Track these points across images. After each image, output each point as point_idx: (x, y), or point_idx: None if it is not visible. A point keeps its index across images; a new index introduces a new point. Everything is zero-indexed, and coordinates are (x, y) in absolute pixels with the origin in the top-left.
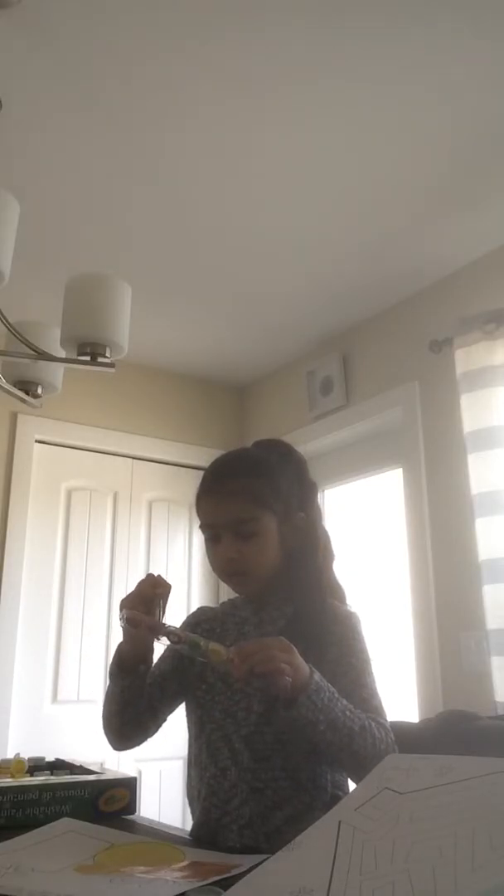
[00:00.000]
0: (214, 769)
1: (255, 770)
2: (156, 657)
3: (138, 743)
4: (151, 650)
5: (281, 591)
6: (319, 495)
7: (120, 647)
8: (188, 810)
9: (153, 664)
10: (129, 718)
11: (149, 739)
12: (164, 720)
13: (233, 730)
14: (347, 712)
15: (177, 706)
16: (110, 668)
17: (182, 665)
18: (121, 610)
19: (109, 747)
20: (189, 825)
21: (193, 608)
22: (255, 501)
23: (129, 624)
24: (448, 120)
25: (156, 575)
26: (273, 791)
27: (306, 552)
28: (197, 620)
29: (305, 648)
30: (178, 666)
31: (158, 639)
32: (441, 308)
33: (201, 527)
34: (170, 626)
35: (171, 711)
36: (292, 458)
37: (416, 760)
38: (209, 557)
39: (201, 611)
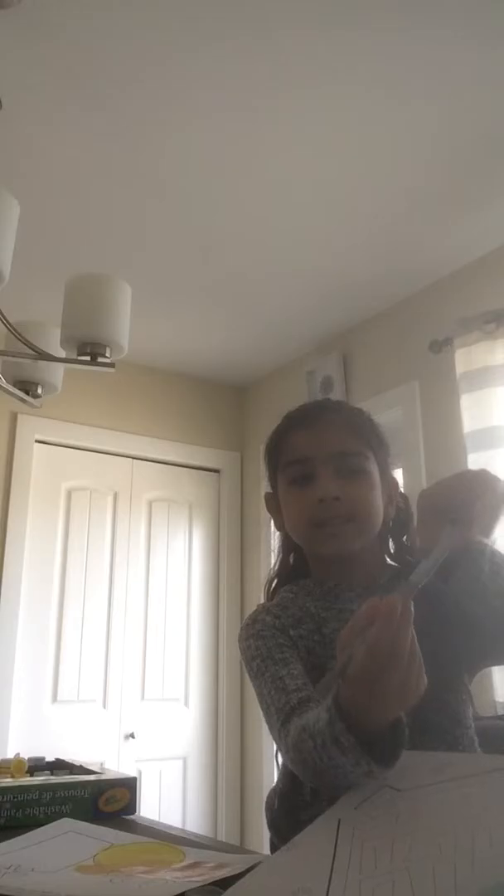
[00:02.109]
0: None
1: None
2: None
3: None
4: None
5: (385, 571)
6: None
7: (343, 693)
8: (188, 810)
9: (295, 672)
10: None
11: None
12: None
13: None
14: None
15: None
16: (330, 736)
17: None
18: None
19: (110, 748)
20: (189, 825)
21: (192, 610)
22: (360, 438)
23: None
24: (448, 120)
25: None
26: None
27: (406, 526)
28: (294, 621)
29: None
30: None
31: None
32: (441, 308)
33: (286, 465)
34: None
35: None
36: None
37: (415, 758)
38: (291, 506)
39: (275, 603)
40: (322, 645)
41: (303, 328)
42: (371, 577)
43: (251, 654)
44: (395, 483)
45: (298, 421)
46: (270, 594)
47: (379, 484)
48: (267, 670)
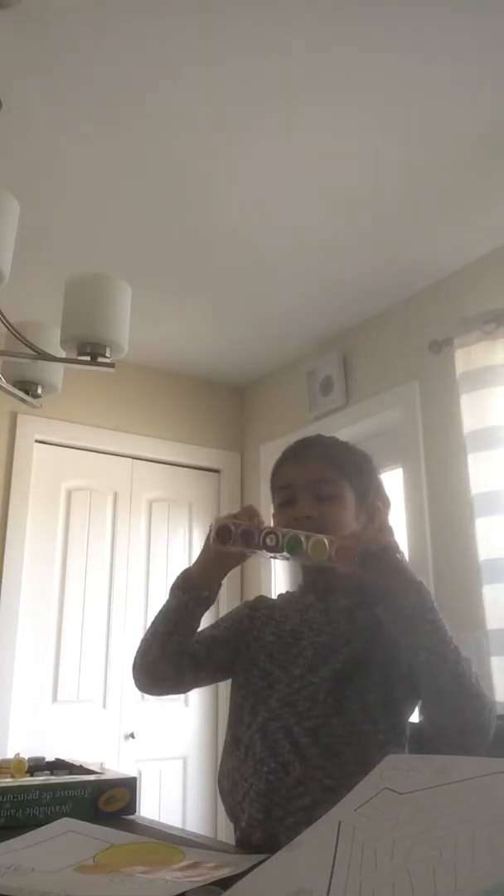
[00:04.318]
0: (274, 764)
1: (326, 767)
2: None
3: (167, 689)
4: (223, 575)
5: (347, 579)
6: None
7: (189, 567)
8: (188, 810)
9: (203, 627)
10: (171, 650)
11: (178, 696)
12: (201, 683)
13: (294, 721)
14: (448, 628)
15: (218, 679)
16: (173, 583)
17: (235, 642)
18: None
19: (110, 748)
20: (189, 825)
21: None
22: (336, 468)
23: (219, 536)
24: (448, 120)
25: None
26: (348, 790)
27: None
28: (255, 606)
29: (379, 632)
30: (231, 640)
31: (249, 552)
32: (441, 308)
33: (276, 490)
34: (265, 525)
35: (210, 679)
36: (371, 460)
37: (416, 760)
38: (278, 523)
39: (260, 598)
40: (277, 633)
41: (303, 328)
42: (337, 584)
43: None
44: (379, 503)
45: (288, 455)
46: None
47: (352, 506)
48: None
